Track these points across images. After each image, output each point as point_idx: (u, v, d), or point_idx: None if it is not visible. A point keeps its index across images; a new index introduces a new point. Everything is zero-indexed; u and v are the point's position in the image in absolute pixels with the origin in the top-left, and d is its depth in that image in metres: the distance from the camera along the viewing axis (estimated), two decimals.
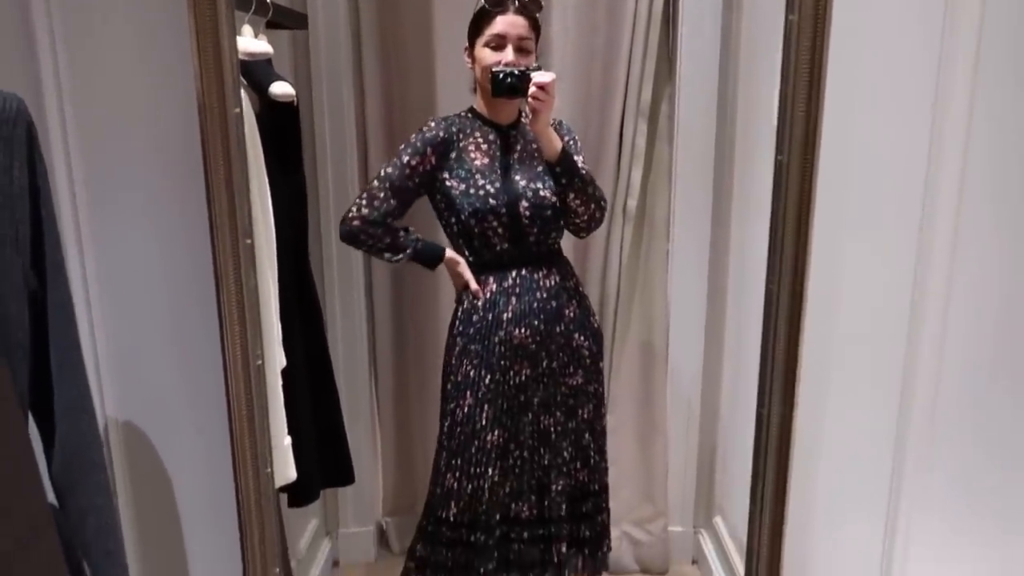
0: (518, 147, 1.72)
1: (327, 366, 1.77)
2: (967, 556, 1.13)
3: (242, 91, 1.20)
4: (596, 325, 1.82)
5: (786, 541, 1.36)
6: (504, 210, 1.66)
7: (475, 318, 1.70)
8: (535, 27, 1.65)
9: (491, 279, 1.71)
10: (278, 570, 1.33)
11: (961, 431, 1.12)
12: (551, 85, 1.56)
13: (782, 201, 1.23)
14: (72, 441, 0.94)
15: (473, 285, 1.71)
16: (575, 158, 1.68)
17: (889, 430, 1.22)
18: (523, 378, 1.70)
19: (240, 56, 1.19)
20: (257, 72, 1.45)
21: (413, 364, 2.34)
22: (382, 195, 1.66)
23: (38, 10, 1.18)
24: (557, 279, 1.73)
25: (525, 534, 1.77)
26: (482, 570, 1.74)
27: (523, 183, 1.68)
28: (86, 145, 1.25)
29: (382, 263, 2.18)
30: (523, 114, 1.74)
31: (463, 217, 1.67)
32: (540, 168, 1.70)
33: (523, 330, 1.69)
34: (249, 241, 1.21)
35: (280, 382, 1.39)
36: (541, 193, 1.67)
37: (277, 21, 1.63)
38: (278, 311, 1.40)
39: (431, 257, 1.74)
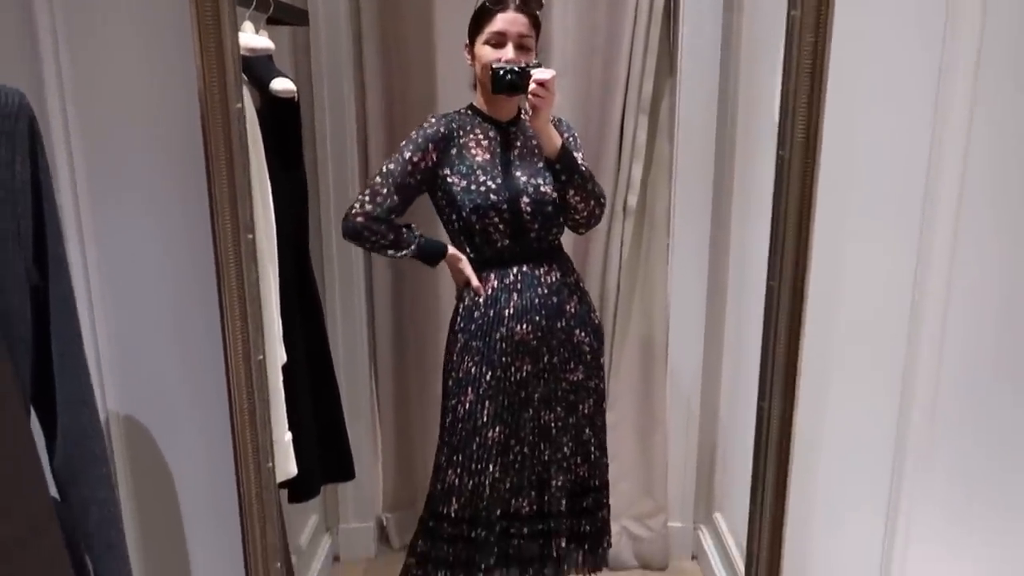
0: (518, 144, 1.72)
1: (327, 362, 1.77)
2: (967, 553, 1.13)
3: (243, 87, 1.21)
4: (597, 321, 1.82)
5: (786, 537, 1.37)
6: (505, 206, 1.66)
7: (476, 314, 1.71)
8: (535, 25, 1.66)
9: (492, 275, 1.71)
10: (279, 564, 1.34)
11: (961, 429, 1.12)
12: (551, 82, 1.56)
13: (783, 197, 1.23)
14: (74, 434, 0.95)
15: (474, 282, 1.71)
16: (575, 155, 1.69)
17: (889, 427, 1.22)
18: (524, 374, 1.70)
19: (241, 52, 1.19)
20: (258, 68, 1.45)
21: (413, 360, 2.34)
22: (385, 191, 1.66)
23: (41, 9, 1.19)
24: (558, 275, 1.73)
25: (525, 529, 1.78)
26: (483, 566, 1.74)
27: (524, 179, 1.68)
28: (88, 141, 1.25)
29: (383, 259, 2.19)
30: (523, 111, 1.74)
31: (464, 213, 1.67)
32: (540, 164, 1.70)
33: (524, 326, 1.69)
34: (250, 236, 1.21)
35: (281, 377, 1.39)
36: (542, 189, 1.67)
37: (278, 17, 1.63)
38: (279, 306, 1.40)
39: (433, 254, 1.74)
